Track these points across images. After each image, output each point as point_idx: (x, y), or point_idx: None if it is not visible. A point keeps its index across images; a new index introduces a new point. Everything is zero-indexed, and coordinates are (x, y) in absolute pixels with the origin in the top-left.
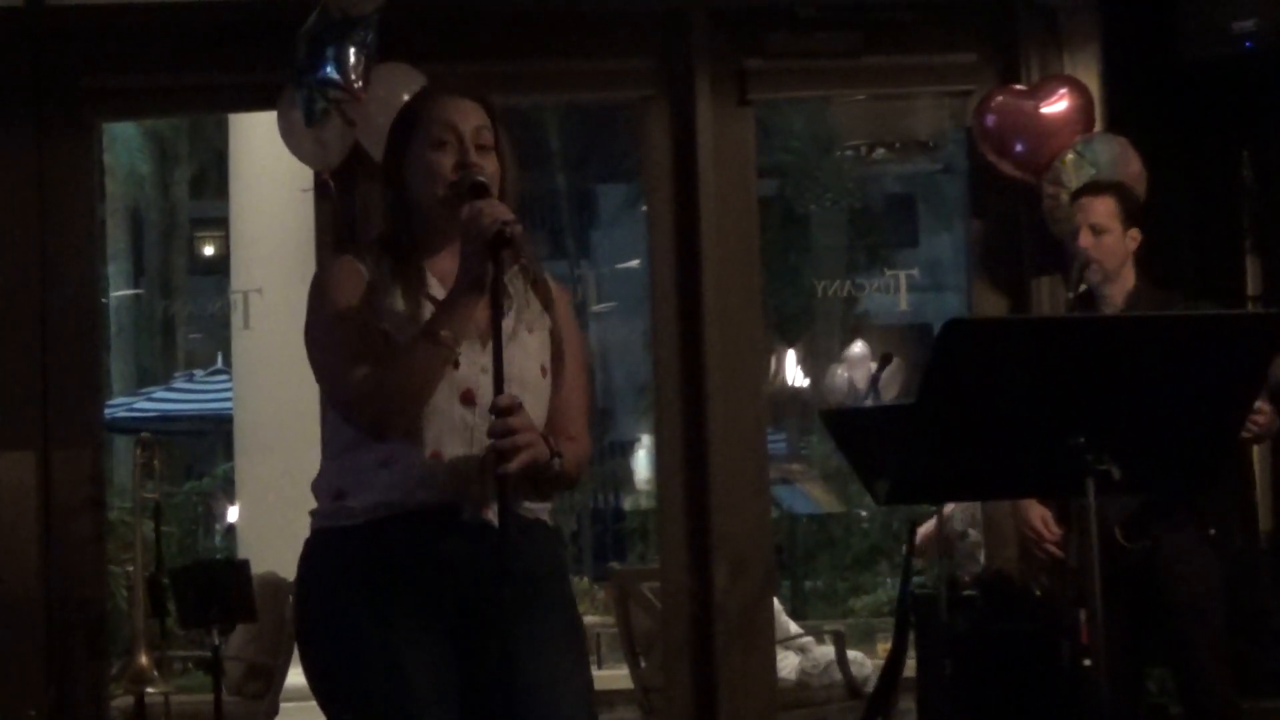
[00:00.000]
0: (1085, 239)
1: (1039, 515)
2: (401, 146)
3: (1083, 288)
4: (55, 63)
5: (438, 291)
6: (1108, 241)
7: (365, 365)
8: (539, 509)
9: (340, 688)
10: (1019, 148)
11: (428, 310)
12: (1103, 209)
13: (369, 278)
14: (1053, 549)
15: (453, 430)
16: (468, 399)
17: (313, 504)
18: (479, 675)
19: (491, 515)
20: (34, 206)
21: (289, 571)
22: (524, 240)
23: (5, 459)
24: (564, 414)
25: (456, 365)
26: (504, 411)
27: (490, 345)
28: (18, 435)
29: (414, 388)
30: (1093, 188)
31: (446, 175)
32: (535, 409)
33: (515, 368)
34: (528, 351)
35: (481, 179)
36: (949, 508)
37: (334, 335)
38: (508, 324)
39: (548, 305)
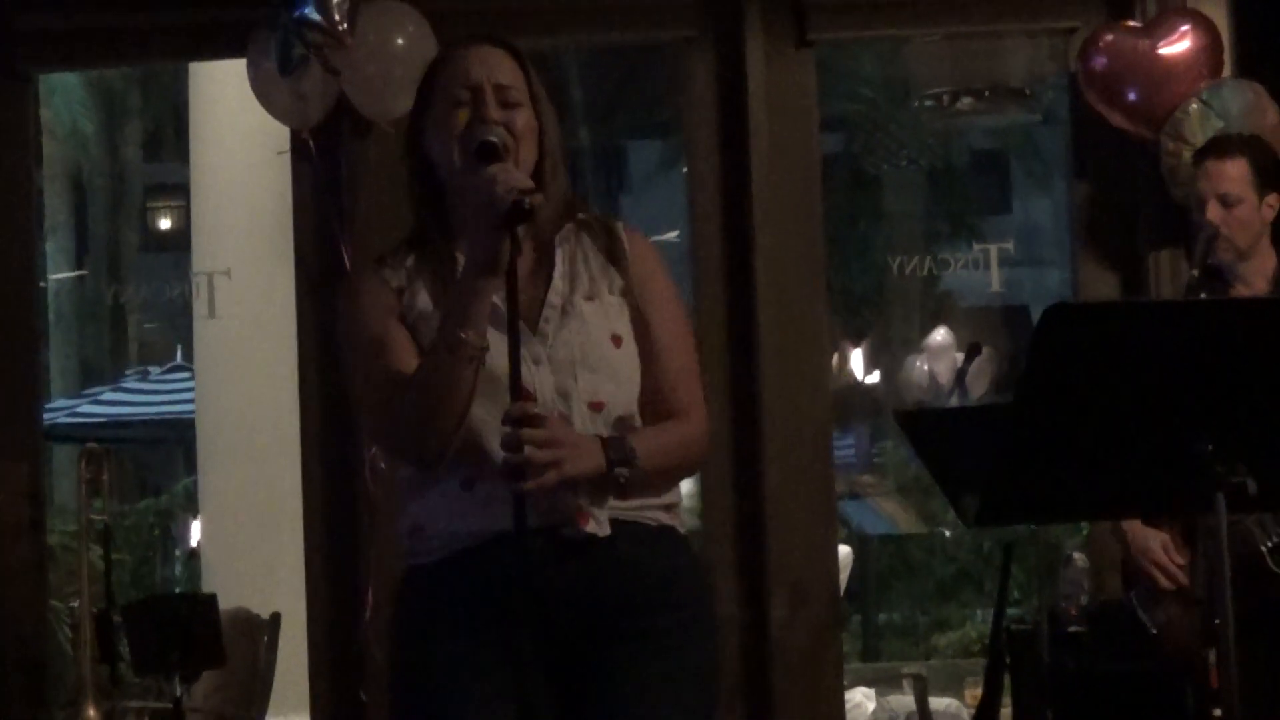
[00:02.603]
0: (1214, 211)
1: (1158, 539)
2: (422, 112)
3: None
4: None
5: None
6: (1241, 212)
7: (396, 395)
8: (664, 509)
9: None
10: (1132, 96)
11: None
12: (1234, 173)
13: (397, 284)
14: (1174, 579)
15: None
16: (525, 397)
17: (291, 524)
18: None
19: (594, 526)
20: None
21: (262, 606)
22: (574, 197)
23: None
24: (665, 386)
25: (484, 362)
26: (515, 423)
27: (539, 327)
28: None
29: (442, 404)
30: (1220, 147)
31: (460, 134)
32: (611, 389)
33: (573, 349)
34: (587, 324)
35: (492, 139)
36: None
37: (362, 370)
38: (557, 296)
39: (617, 259)
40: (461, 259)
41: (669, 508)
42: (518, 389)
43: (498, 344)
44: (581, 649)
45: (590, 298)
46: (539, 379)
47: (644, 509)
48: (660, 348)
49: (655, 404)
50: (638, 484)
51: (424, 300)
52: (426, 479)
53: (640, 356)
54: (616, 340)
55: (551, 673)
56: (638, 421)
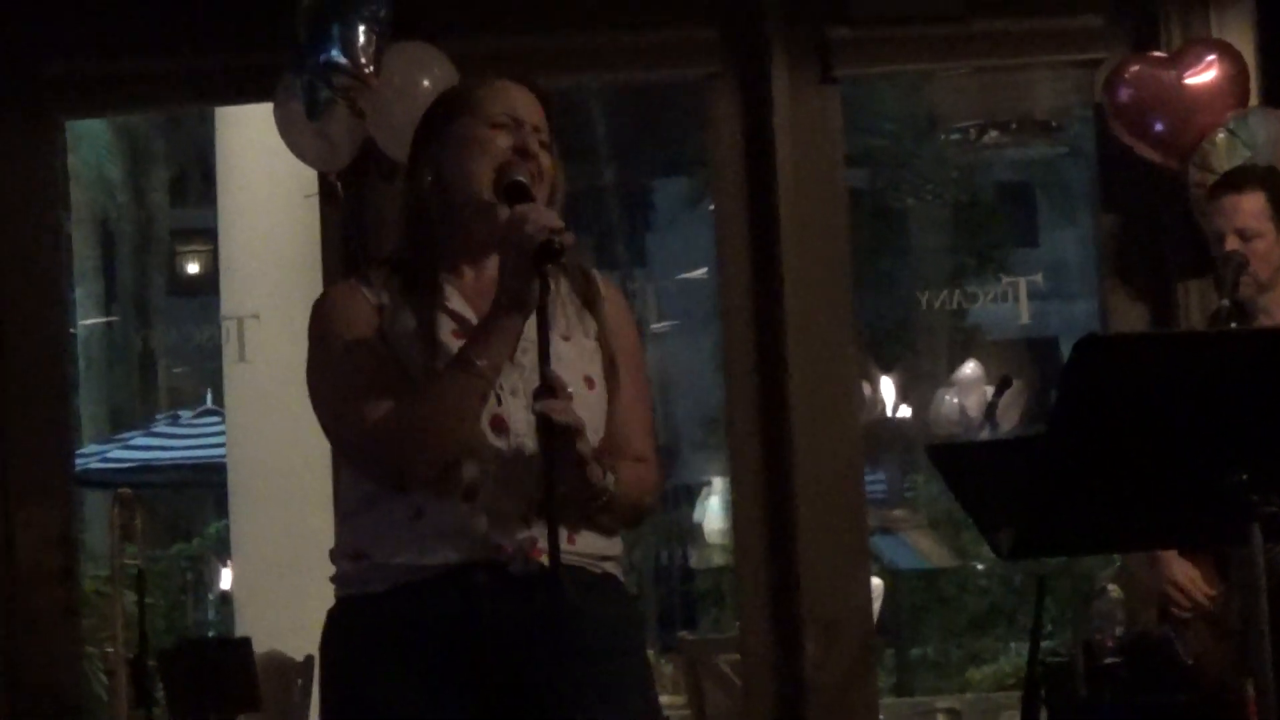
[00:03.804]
0: (1233, 246)
1: (1184, 571)
2: (441, 127)
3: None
4: (9, 47)
5: (458, 304)
6: (1260, 247)
7: (381, 404)
8: (606, 559)
9: None
10: (1159, 127)
11: (445, 326)
12: (1251, 208)
13: (376, 302)
14: (1196, 603)
15: (486, 465)
16: (498, 426)
17: (324, 567)
18: None
19: (546, 558)
20: None
21: (296, 649)
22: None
23: None
24: (625, 432)
25: (500, 400)
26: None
27: (517, 359)
28: None
29: (444, 426)
30: (1235, 181)
31: (501, 156)
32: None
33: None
34: (564, 362)
35: (522, 178)
36: None
37: (341, 370)
38: (534, 330)
39: (592, 304)
40: (446, 284)
41: (611, 557)
42: (550, 430)
43: None
44: (519, 692)
45: (567, 338)
46: (513, 409)
47: (588, 557)
48: (624, 398)
49: (612, 451)
50: (615, 507)
51: (408, 320)
52: (374, 500)
53: (608, 401)
54: (589, 382)
55: (487, 715)
56: None
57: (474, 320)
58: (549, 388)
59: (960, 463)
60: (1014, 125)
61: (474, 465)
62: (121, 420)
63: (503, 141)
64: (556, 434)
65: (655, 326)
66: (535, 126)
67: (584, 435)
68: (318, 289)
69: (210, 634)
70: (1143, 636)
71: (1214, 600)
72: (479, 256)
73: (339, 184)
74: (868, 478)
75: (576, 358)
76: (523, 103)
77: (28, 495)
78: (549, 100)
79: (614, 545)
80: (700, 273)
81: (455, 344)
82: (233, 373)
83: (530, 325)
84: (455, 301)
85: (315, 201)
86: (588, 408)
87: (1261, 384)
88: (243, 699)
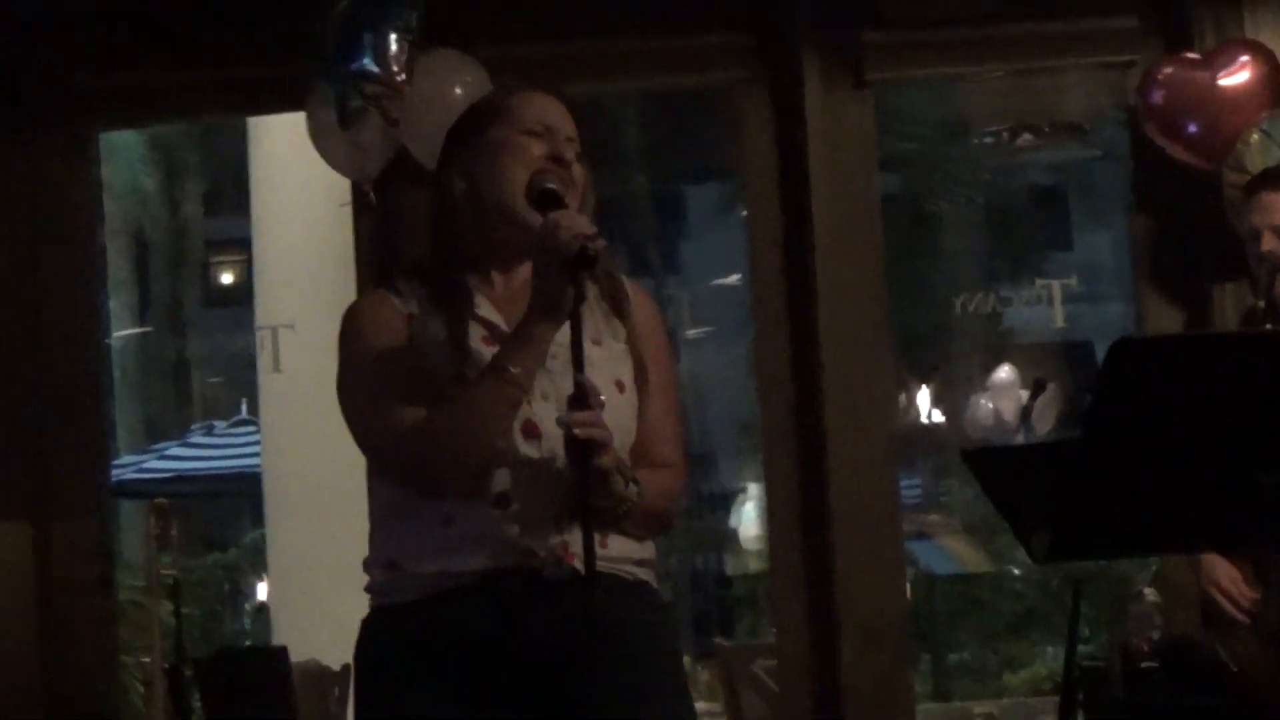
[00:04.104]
0: (1270, 244)
1: (1227, 574)
2: (473, 134)
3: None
4: (43, 60)
5: (488, 312)
6: None
7: (412, 412)
8: (639, 564)
9: None
10: (1192, 128)
11: (476, 334)
12: None
13: (406, 310)
14: (1240, 608)
15: (518, 471)
16: (529, 432)
17: (360, 576)
18: None
19: (578, 562)
20: (22, 231)
21: (332, 658)
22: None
23: None
24: (652, 438)
25: (531, 406)
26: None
27: (547, 364)
28: (8, 503)
29: (477, 433)
30: (1273, 179)
31: (534, 163)
32: (613, 432)
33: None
34: (595, 366)
35: (553, 186)
36: None
37: (371, 379)
38: (565, 336)
39: (620, 310)
40: (477, 295)
41: (644, 563)
42: (577, 447)
43: None
44: (552, 698)
45: (597, 342)
46: (543, 413)
47: (621, 562)
48: (652, 403)
49: (638, 455)
50: (636, 516)
51: (438, 328)
52: (404, 508)
53: (638, 406)
54: (620, 386)
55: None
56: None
57: (504, 327)
58: (581, 395)
59: (995, 467)
60: (1046, 128)
61: (505, 471)
62: (157, 431)
63: (536, 149)
64: (579, 447)
65: (689, 333)
66: (569, 136)
67: (608, 449)
68: (352, 298)
69: (246, 643)
70: (1180, 640)
71: (1255, 604)
72: (509, 263)
73: (372, 192)
74: (902, 482)
75: (606, 362)
76: (555, 112)
77: (64, 506)
78: (576, 111)
79: (646, 549)
80: (733, 279)
81: (486, 351)
82: (267, 383)
83: (564, 330)
84: (485, 309)
85: (349, 210)
86: (618, 412)
87: None
88: (279, 708)
